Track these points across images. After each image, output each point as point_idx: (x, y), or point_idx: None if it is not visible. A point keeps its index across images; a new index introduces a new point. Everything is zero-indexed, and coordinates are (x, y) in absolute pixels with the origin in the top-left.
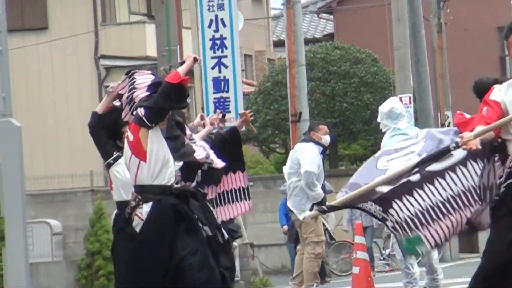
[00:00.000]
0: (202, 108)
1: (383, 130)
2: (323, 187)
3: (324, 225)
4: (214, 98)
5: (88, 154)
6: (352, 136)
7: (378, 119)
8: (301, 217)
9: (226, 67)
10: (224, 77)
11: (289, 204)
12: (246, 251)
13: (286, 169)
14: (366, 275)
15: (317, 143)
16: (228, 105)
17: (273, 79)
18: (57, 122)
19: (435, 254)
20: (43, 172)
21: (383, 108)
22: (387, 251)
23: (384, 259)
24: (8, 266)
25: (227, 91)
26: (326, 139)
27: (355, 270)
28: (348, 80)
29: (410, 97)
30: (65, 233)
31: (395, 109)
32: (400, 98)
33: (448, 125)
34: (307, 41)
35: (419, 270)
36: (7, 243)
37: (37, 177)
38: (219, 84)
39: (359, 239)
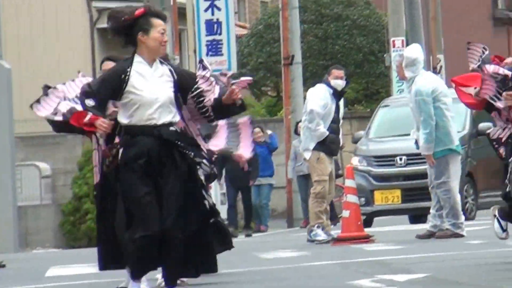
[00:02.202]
0: (195, 51)
1: (409, 77)
2: (331, 129)
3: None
4: (207, 41)
5: None
6: None
7: (405, 64)
8: (306, 156)
9: (219, 9)
10: (217, 19)
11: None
12: None
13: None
14: (356, 219)
15: (329, 85)
16: (221, 47)
17: (266, 21)
18: (49, 65)
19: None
20: (33, 114)
21: (413, 54)
22: None
23: None
24: None
25: (220, 34)
26: (336, 83)
27: (345, 213)
28: (340, 22)
29: (402, 40)
30: (54, 176)
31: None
32: (393, 42)
33: (440, 69)
34: None
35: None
36: None
37: (26, 119)
38: (212, 27)
39: (350, 183)
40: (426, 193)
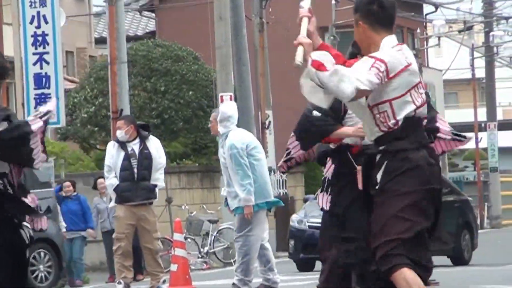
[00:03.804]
0: (23, 104)
1: (222, 132)
2: (121, 178)
3: None
4: (35, 95)
5: None
6: (173, 133)
7: (220, 119)
8: (110, 206)
9: (47, 63)
10: (46, 73)
11: None
12: None
13: None
14: (184, 273)
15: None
16: (50, 101)
17: (95, 75)
18: None
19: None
20: None
21: (228, 111)
22: (206, 248)
23: (202, 256)
24: None
25: (49, 88)
26: (117, 134)
27: (173, 267)
28: (169, 77)
29: (231, 96)
30: None
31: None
32: (221, 97)
33: (269, 124)
34: (129, 39)
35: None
36: None
37: None
38: (41, 81)
39: (178, 237)
40: None
